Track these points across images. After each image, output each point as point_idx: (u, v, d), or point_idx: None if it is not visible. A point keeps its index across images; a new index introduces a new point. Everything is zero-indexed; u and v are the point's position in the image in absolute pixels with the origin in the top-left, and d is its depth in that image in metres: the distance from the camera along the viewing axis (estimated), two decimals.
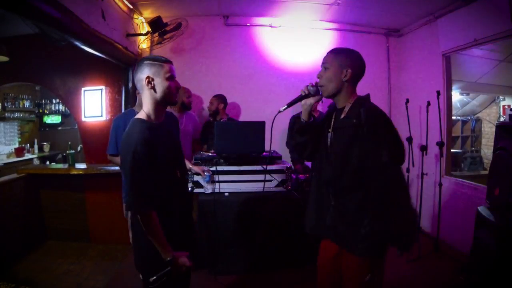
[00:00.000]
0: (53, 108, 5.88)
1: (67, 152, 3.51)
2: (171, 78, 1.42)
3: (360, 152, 1.39)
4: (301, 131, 1.58)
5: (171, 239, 1.42)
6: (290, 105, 1.52)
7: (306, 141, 1.58)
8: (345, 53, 1.47)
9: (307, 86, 1.49)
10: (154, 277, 1.37)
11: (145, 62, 1.40)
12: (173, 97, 1.44)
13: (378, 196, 1.37)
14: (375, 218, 1.38)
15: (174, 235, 1.46)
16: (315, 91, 1.48)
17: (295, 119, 1.63)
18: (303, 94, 1.50)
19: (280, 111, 1.49)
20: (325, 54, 1.51)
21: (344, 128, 1.46)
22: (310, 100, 1.50)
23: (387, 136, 1.37)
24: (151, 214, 1.33)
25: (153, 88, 1.40)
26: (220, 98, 3.44)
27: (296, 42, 3.97)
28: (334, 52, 1.47)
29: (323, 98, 1.55)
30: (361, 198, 1.40)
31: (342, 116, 1.48)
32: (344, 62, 1.43)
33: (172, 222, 1.47)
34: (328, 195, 1.50)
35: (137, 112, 2.43)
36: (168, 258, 1.35)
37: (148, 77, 1.38)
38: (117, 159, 2.40)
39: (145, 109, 1.44)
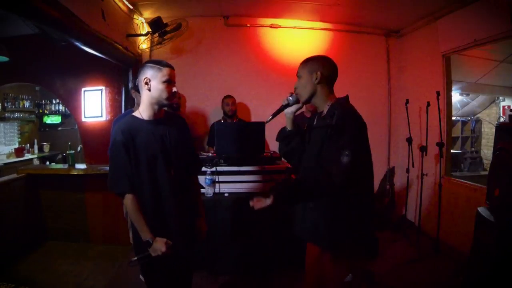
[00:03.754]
0: (53, 108, 5.88)
1: (67, 152, 3.51)
2: (168, 81, 1.50)
3: (327, 151, 1.43)
4: (286, 140, 1.67)
5: (161, 232, 1.48)
6: (274, 115, 1.60)
7: (292, 150, 1.66)
8: (312, 59, 1.56)
9: (287, 96, 1.59)
10: (135, 258, 1.47)
11: (147, 64, 1.52)
12: (167, 99, 1.52)
13: (338, 197, 1.43)
14: (344, 219, 1.43)
15: (165, 229, 1.52)
16: (294, 100, 1.58)
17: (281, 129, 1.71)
18: (284, 104, 1.59)
19: (265, 122, 1.58)
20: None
21: (319, 128, 1.52)
22: (292, 109, 1.60)
23: (352, 140, 1.38)
24: (129, 197, 1.46)
25: (149, 89, 1.50)
26: (235, 99, 3.50)
27: (297, 42, 3.97)
28: (303, 62, 1.58)
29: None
30: (329, 198, 1.45)
31: (321, 116, 1.55)
32: (312, 67, 1.52)
33: (163, 216, 1.54)
34: None
35: None
36: (146, 239, 1.45)
37: (146, 78, 1.49)
38: None
39: (140, 107, 1.56)
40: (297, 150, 1.65)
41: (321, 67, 1.51)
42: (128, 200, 1.47)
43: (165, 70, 1.49)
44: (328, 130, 1.42)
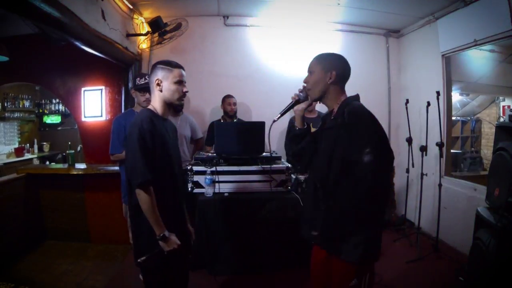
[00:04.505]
0: (53, 108, 5.88)
1: (67, 152, 3.51)
2: (178, 82, 1.53)
3: (343, 152, 1.37)
4: (296, 139, 1.62)
5: (176, 225, 1.52)
6: (283, 113, 1.56)
7: (303, 149, 1.60)
8: (328, 57, 1.50)
9: (297, 92, 1.53)
10: (143, 257, 1.44)
11: (158, 66, 1.54)
12: (178, 100, 1.56)
13: (361, 199, 1.33)
14: (359, 222, 1.35)
15: (174, 224, 1.53)
16: (304, 96, 1.53)
17: (292, 123, 1.64)
18: (295, 100, 1.54)
19: (274, 121, 1.52)
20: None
21: (330, 129, 1.47)
22: (302, 106, 1.56)
23: (372, 136, 1.33)
24: (149, 188, 1.42)
25: (161, 90, 1.53)
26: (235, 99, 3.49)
27: (296, 42, 3.97)
28: (317, 58, 1.51)
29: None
30: (346, 200, 1.37)
31: (331, 117, 1.50)
32: (328, 65, 1.46)
33: (172, 211, 1.56)
34: (319, 198, 1.49)
35: (136, 112, 2.46)
36: (162, 234, 1.43)
37: (157, 80, 1.52)
38: (121, 155, 2.43)
39: (154, 104, 1.58)
40: (307, 150, 1.58)
41: (337, 67, 1.46)
42: (150, 191, 1.41)
43: (176, 71, 1.53)
44: (341, 130, 1.38)
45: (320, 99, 1.51)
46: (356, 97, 1.50)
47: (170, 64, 1.53)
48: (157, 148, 1.47)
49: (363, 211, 1.35)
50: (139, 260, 1.44)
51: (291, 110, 1.61)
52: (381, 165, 1.31)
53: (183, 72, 1.56)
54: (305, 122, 1.63)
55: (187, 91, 1.58)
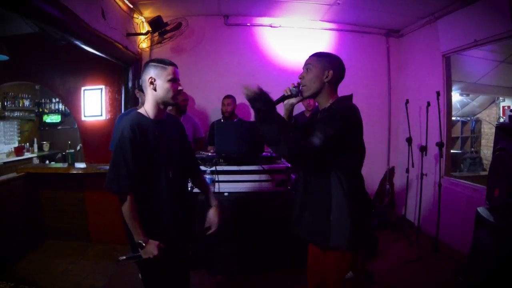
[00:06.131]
0: (52, 107, 5.87)
1: (67, 151, 3.51)
2: (173, 80, 1.49)
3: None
4: None
5: (157, 233, 1.47)
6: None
7: None
8: (327, 56, 1.52)
9: (289, 87, 1.53)
10: (124, 257, 1.45)
11: (150, 64, 1.51)
12: (172, 98, 1.51)
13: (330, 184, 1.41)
14: (337, 206, 1.40)
15: (161, 231, 1.50)
16: (296, 91, 1.52)
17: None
18: (286, 94, 1.53)
19: None
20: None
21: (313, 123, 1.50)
22: (292, 100, 1.55)
23: (332, 125, 1.35)
24: (127, 197, 1.42)
25: (155, 88, 1.49)
26: (234, 99, 3.46)
27: (297, 42, 3.97)
28: (317, 55, 1.52)
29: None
30: (323, 187, 1.43)
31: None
32: (326, 64, 1.48)
33: (160, 218, 1.52)
34: (305, 190, 1.54)
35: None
36: (139, 241, 1.42)
37: (150, 78, 1.48)
38: None
39: (145, 106, 1.54)
40: None
41: (334, 67, 1.48)
42: (127, 200, 1.42)
43: (170, 69, 1.49)
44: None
45: (314, 96, 1.52)
46: (349, 97, 1.52)
47: (163, 62, 1.50)
48: (139, 156, 1.42)
49: (340, 207, 1.39)
50: (119, 259, 1.45)
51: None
52: (320, 153, 1.33)
53: (177, 70, 1.52)
54: (294, 118, 1.63)
55: (181, 89, 1.54)
